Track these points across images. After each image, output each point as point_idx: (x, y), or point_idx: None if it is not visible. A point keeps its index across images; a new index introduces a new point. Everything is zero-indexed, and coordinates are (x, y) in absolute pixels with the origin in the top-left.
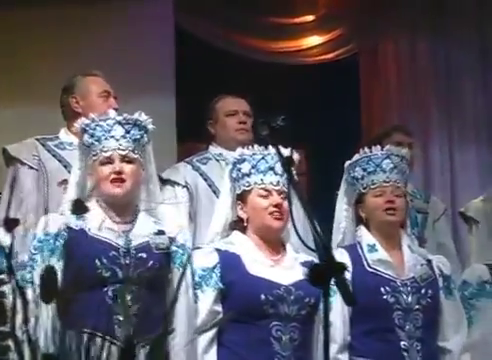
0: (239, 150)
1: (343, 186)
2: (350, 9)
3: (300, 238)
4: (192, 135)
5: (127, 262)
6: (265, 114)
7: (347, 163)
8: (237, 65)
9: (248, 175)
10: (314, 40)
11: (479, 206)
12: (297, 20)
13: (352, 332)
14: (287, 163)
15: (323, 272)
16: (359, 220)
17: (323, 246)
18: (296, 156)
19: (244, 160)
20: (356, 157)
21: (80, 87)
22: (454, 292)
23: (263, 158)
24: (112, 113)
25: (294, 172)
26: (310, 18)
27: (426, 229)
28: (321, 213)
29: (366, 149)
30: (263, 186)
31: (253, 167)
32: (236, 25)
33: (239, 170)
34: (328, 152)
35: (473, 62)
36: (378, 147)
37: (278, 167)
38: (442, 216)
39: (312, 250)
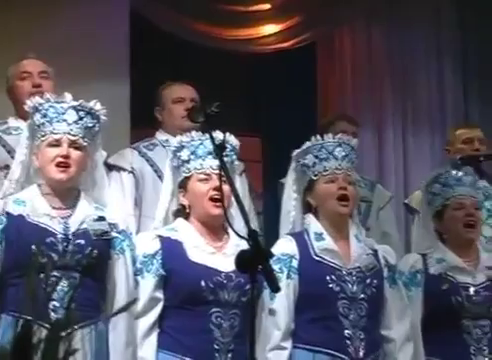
0: (178, 138)
1: (291, 174)
2: None
3: (230, 225)
4: (146, 121)
5: (65, 248)
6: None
7: (296, 151)
8: (192, 52)
9: (188, 161)
10: (270, 28)
11: (421, 197)
12: (253, 8)
13: (296, 320)
14: (219, 148)
15: (250, 258)
16: (307, 208)
17: (250, 233)
18: (235, 142)
19: (183, 147)
20: (307, 145)
21: (10, 71)
22: (398, 282)
23: (201, 143)
24: (68, 97)
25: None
26: (266, 6)
27: (369, 218)
28: (276, 200)
29: (318, 137)
30: (202, 170)
31: (192, 153)
32: (191, 11)
33: (179, 158)
34: (284, 140)
35: (427, 47)
36: (330, 135)
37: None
38: (387, 205)
39: (242, 237)
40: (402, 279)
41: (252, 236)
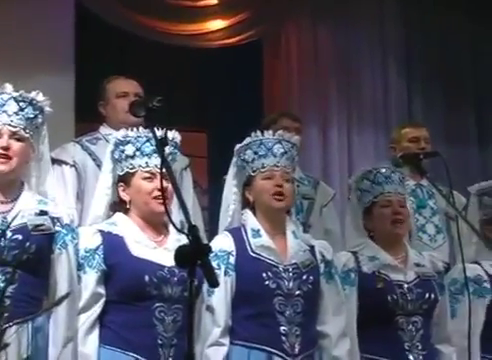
0: (123, 131)
1: (232, 169)
2: None
3: (171, 221)
4: (91, 115)
5: (2, 244)
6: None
7: (237, 146)
8: (138, 46)
9: (132, 157)
10: (217, 24)
11: None
12: (200, 3)
13: (233, 316)
14: (161, 144)
15: (189, 253)
16: (246, 203)
17: (190, 228)
18: (177, 137)
19: (128, 142)
20: (247, 140)
21: None
22: (335, 277)
23: (148, 141)
24: (8, 88)
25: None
26: (213, 1)
27: (312, 215)
28: (221, 196)
29: (258, 133)
30: (148, 169)
31: (138, 149)
32: (138, 6)
33: (122, 151)
34: (230, 136)
35: (373, 46)
36: (270, 132)
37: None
38: (330, 202)
39: (182, 232)
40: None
41: (191, 231)
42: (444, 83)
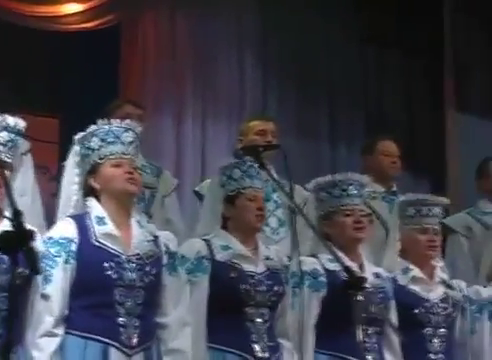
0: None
1: (73, 158)
2: None
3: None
4: None
5: None
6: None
7: (80, 134)
8: None
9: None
10: (73, 7)
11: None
12: None
13: (71, 305)
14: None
15: (12, 239)
16: (89, 191)
17: (14, 213)
18: (20, 124)
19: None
20: (93, 128)
21: None
22: (178, 269)
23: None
24: None
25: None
26: None
27: (153, 204)
28: None
29: (105, 120)
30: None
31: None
32: None
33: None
34: (84, 122)
35: (230, 38)
36: (118, 120)
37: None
38: (173, 192)
39: (7, 218)
40: (187, 265)
41: (15, 217)
42: (298, 79)
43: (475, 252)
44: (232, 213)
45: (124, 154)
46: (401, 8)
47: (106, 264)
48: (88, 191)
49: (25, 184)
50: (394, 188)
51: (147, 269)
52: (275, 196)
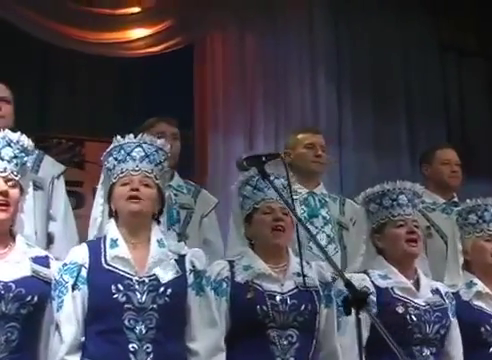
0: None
1: (101, 178)
2: (177, 1)
3: None
4: None
5: None
6: None
7: (104, 153)
8: (52, 54)
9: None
10: (140, 32)
11: None
12: (122, 11)
13: (87, 332)
14: None
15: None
16: (111, 213)
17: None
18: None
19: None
20: (110, 147)
21: None
22: (206, 289)
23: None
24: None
25: None
26: (136, 10)
27: (189, 225)
28: None
29: (119, 137)
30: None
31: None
32: (53, 13)
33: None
34: None
35: (301, 52)
36: (131, 135)
37: (4, 152)
38: (211, 212)
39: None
40: (210, 287)
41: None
42: (374, 94)
43: None
44: (252, 231)
45: (134, 171)
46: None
47: (113, 287)
48: (110, 213)
49: (56, 208)
50: (455, 198)
51: (161, 290)
52: (324, 212)
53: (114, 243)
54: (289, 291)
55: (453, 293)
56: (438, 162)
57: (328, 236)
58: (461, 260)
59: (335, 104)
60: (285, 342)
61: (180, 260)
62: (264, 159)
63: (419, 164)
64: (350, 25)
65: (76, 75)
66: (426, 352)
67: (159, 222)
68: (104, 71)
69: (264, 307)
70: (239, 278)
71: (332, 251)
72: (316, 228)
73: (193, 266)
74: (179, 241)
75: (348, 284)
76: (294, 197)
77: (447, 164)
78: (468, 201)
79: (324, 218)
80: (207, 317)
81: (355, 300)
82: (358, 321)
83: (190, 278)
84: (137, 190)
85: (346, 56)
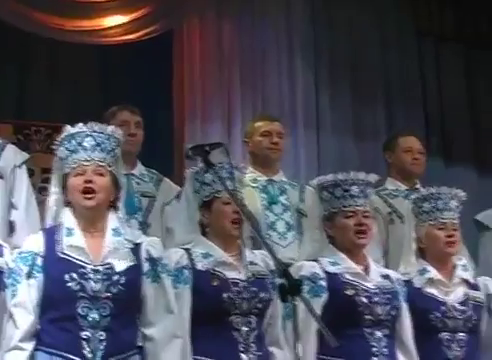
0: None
1: (54, 167)
2: None
3: None
4: None
5: None
6: None
7: (55, 143)
8: (31, 42)
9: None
10: (118, 19)
11: None
12: None
13: (41, 320)
14: None
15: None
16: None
17: None
18: None
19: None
20: (60, 137)
21: None
22: (162, 276)
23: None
24: None
25: None
26: None
27: (152, 213)
28: None
29: (68, 127)
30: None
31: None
32: (31, 1)
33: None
34: None
35: (278, 38)
36: (80, 125)
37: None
38: (174, 200)
39: None
40: (167, 274)
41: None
42: (352, 79)
43: None
44: (209, 219)
45: (86, 161)
46: None
47: (67, 276)
48: (66, 202)
49: (18, 197)
50: (418, 185)
51: (115, 278)
52: (283, 199)
53: (69, 232)
54: (248, 278)
55: (406, 280)
56: (400, 150)
57: (287, 223)
58: (414, 247)
59: (313, 89)
60: (246, 328)
61: (136, 248)
62: (208, 149)
63: (382, 150)
64: (328, 10)
65: (55, 63)
66: (378, 334)
67: (117, 208)
68: (84, 58)
69: (230, 294)
70: (199, 266)
71: (291, 238)
72: (275, 215)
73: (149, 254)
74: (141, 229)
75: (284, 272)
76: (253, 185)
77: (409, 151)
78: (422, 189)
79: (283, 205)
80: (163, 304)
81: (291, 287)
82: (294, 307)
83: (145, 266)
84: (90, 182)
85: (324, 41)
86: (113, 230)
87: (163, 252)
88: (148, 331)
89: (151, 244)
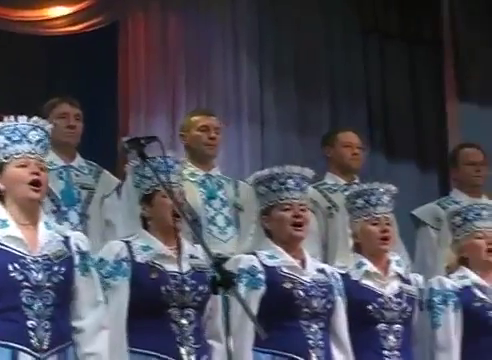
0: None
1: None
2: None
3: None
4: None
5: None
6: None
7: None
8: None
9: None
10: (60, 11)
11: None
12: None
13: None
14: None
15: None
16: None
17: None
18: None
19: None
20: (0, 126)
21: None
22: (91, 269)
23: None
24: None
25: None
26: None
27: (91, 205)
28: None
29: (12, 117)
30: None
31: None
32: None
33: None
34: None
35: (224, 34)
36: (24, 117)
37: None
38: (114, 193)
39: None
40: (106, 268)
41: None
42: (297, 76)
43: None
44: (150, 213)
45: (31, 153)
46: None
47: (10, 266)
48: None
49: None
50: (356, 180)
51: (55, 269)
52: (221, 194)
53: (3, 223)
54: (188, 272)
55: (343, 274)
56: (340, 145)
57: (226, 218)
58: (350, 242)
59: (257, 85)
60: (185, 321)
61: (66, 241)
62: (142, 142)
63: (321, 146)
64: (273, 6)
65: None
66: (314, 327)
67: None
68: (27, 49)
69: (168, 287)
70: (139, 258)
71: (231, 233)
72: (215, 210)
73: (78, 247)
74: (80, 221)
75: (217, 265)
76: (192, 179)
77: (349, 146)
78: (355, 186)
79: (222, 200)
80: (92, 297)
81: (223, 281)
82: (226, 300)
83: (76, 259)
84: (37, 174)
85: (269, 38)
86: (45, 223)
87: (90, 246)
88: (77, 323)
89: (79, 238)
